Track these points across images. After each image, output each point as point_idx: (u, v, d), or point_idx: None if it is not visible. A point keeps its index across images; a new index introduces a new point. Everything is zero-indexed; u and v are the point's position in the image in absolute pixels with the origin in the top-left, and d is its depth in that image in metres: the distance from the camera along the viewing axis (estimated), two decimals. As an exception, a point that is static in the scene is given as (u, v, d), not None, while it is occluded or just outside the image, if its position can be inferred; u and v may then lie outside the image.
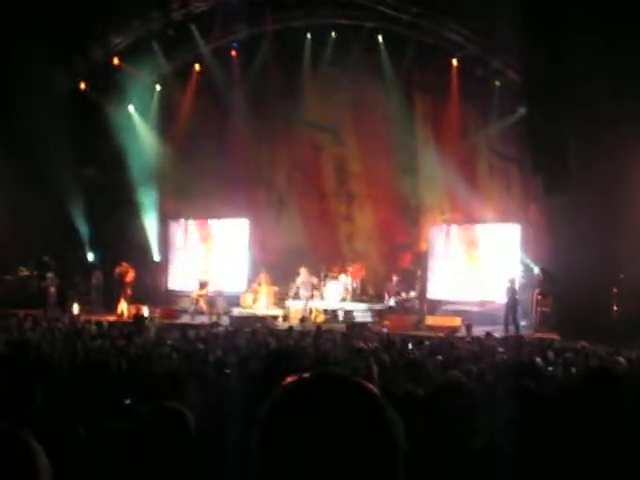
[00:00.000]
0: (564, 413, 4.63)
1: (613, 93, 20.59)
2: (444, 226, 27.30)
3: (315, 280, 25.94)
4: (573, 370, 10.69)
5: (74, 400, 6.48)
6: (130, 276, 26.32)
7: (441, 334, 19.02)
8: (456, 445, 3.88)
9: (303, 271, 25.71)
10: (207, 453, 4.84)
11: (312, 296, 25.60)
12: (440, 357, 12.18)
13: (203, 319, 24.14)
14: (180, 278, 29.18)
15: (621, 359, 10.88)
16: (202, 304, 25.81)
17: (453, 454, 3.85)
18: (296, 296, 25.83)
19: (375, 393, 1.69)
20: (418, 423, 4.22)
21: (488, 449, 3.85)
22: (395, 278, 26.12)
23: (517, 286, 23.56)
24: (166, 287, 29.31)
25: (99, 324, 19.73)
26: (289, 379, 1.73)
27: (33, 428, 1.66)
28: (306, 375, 1.72)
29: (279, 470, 1.62)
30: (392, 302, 25.60)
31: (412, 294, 25.85)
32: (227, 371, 8.72)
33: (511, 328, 22.52)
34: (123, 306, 25.81)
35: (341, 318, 25.01)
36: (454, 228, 27.13)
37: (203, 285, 26.11)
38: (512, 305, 23.09)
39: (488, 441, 3.94)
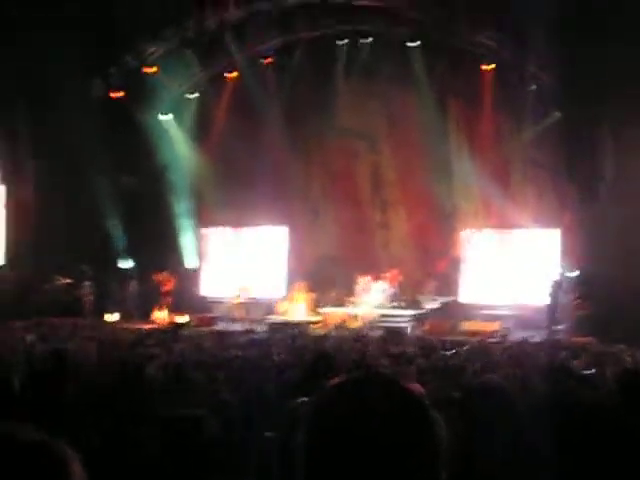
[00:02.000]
0: (600, 416, 4.64)
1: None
2: (479, 231, 27.20)
3: (372, 285, 25.98)
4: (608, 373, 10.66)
5: (106, 407, 6.55)
6: (169, 285, 26.49)
7: (478, 339, 18.94)
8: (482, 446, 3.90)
9: (361, 279, 25.85)
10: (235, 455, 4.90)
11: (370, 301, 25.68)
12: (478, 362, 12.17)
13: (239, 326, 24.24)
14: (216, 286, 29.25)
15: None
16: (239, 311, 25.88)
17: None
18: (357, 303, 25.80)
19: (418, 394, 1.73)
20: (456, 425, 4.25)
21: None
22: (431, 283, 26.11)
23: (560, 289, 23.43)
24: (202, 295, 29.36)
25: (136, 332, 19.89)
26: (334, 380, 1.77)
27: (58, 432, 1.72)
28: (351, 376, 1.76)
29: (325, 470, 1.65)
30: (428, 307, 25.57)
31: (449, 299, 25.79)
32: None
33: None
34: (159, 314, 25.94)
35: (378, 324, 24.97)
36: (490, 233, 27.02)
37: (241, 292, 26.17)
38: (554, 307, 23.02)
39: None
